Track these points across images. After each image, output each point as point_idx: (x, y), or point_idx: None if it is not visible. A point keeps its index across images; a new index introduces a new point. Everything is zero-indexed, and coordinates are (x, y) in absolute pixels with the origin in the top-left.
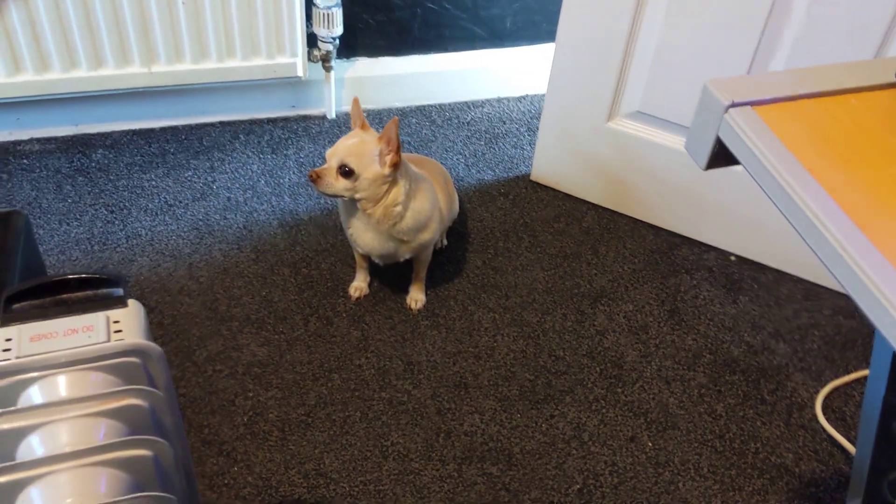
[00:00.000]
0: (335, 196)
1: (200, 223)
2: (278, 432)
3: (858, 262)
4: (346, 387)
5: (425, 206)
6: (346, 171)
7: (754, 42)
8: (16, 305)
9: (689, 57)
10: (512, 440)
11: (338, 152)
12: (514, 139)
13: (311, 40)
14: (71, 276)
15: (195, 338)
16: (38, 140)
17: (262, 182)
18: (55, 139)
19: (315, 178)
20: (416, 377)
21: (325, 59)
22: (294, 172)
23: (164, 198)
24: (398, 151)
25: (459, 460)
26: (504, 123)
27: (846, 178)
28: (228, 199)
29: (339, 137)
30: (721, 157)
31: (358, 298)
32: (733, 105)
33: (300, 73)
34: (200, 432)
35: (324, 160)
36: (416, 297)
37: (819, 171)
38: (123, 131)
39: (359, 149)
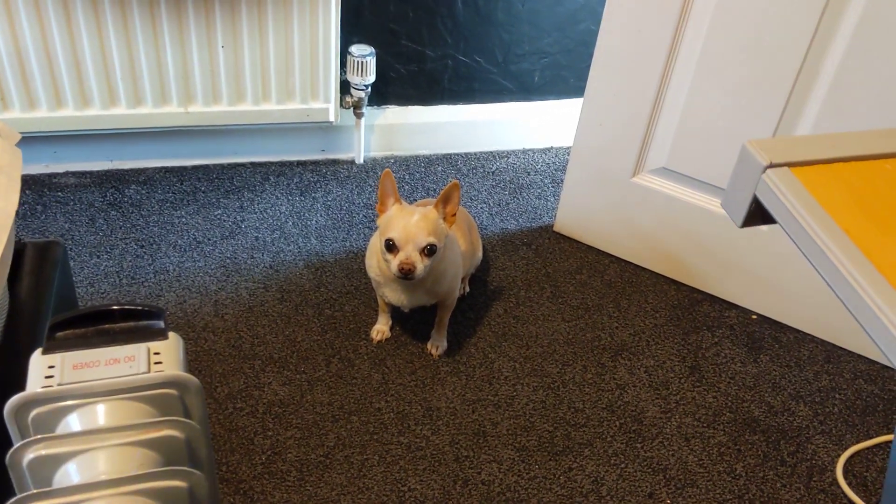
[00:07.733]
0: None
1: (228, 261)
2: (296, 472)
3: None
4: (365, 429)
5: (458, 254)
6: (431, 250)
7: (781, 104)
8: (59, 334)
9: (716, 116)
10: (529, 491)
11: (414, 236)
12: (539, 190)
13: (344, 87)
14: (115, 307)
15: (218, 374)
16: (74, 174)
17: (290, 223)
18: (90, 173)
19: (410, 270)
20: (434, 423)
21: (357, 106)
22: (321, 215)
23: (194, 235)
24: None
25: None
26: (529, 174)
27: (882, 240)
28: (256, 238)
29: (366, 182)
30: (757, 215)
31: (380, 341)
32: (771, 166)
33: (332, 118)
34: (219, 469)
35: (351, 205)
36: (438, 342)
37: (855, 232)
38: (157, 168)
39: (432, 225)
